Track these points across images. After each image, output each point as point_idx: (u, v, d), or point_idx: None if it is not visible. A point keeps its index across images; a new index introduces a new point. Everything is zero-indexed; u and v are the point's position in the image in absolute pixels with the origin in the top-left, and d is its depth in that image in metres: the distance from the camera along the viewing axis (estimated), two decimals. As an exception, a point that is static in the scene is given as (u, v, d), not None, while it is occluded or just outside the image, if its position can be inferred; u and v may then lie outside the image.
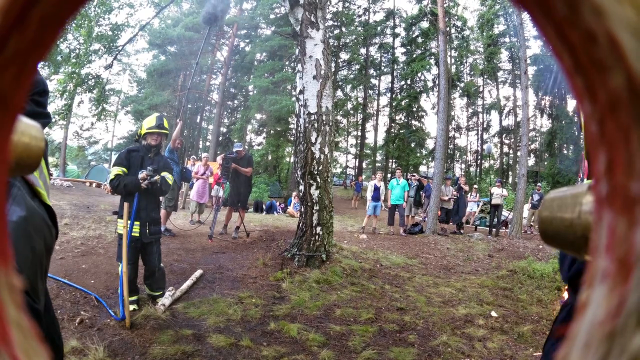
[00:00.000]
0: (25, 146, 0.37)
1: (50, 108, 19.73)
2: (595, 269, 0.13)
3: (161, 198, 4.19)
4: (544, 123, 23.62)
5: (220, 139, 23.05)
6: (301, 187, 5.06)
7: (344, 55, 24.49)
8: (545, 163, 22.20)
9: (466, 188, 10.74)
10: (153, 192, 3.30)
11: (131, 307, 3.10)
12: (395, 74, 25.49)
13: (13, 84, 0.14)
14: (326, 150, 5.00)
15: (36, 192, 1.09)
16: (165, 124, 3.44)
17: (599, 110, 0.13)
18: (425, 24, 22.59)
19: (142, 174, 3.17)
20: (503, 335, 3.30)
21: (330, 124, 5.13)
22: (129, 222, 3.11)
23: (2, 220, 0.15)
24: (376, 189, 9.08)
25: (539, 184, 13.98)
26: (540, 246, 7.54)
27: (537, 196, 11.67)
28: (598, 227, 0.14)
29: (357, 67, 25.04)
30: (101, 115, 23.59)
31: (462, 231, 10.03)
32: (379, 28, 25.10)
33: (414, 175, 11.42)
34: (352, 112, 26.00)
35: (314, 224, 4.92)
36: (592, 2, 0.12)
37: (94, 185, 13.80)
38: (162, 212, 6.28)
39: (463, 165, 26.72)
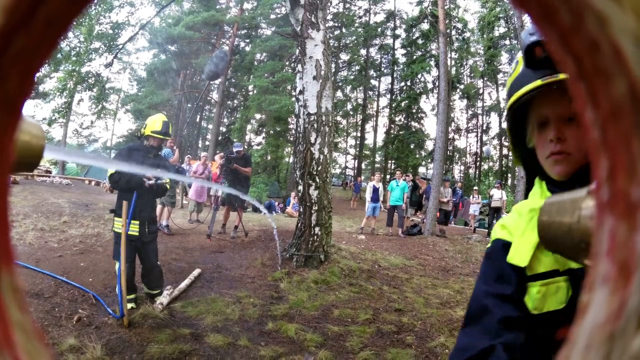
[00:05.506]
0: (26, 144, 0.37)
1: (50, 106, 19.73)
2: (596, 272, 0.13)
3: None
4: (544, 126, 23.59)
5: (220, 138, 23.03)
6: (300, 188, 5.06)
7: (344, 56, 24.55)
8: (544, 166, 22.19)
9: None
10: (154, 192, 3.34)
11: (129, 306, 3.10)
12: (395, 75, 25.54)
13: (18, 84, 0.14)
14: (325, 150, 5.00)
15: None
16: (170, 130, 3.54)
17: (601, 117, 0.13)
18: (425, 26, 22.63)
19: (150, 181, 3.20)
20: (501, 337, 3.31)
21: (330, 124, 5.13)
22: (127, 220, 3.11)
23: (4, 221, 0.15)
24: (375, 190, 9.08)
25: (538, 187, 13.97)
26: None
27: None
28: (599, 232, 0.14)
29: (357, 68, 25.10)
30: (101, 114, 23.63)
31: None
32: (379, 29, 25.14)
33: (407, 176, 11.28)
34: (351, 112, 26.05)
35: (312, 224, 4.91)
36: (597, 11, 0.12)
37: (93, 183, 13.77)
38: (164, 208, 6.40)
39: (462, 167, 26.76)
